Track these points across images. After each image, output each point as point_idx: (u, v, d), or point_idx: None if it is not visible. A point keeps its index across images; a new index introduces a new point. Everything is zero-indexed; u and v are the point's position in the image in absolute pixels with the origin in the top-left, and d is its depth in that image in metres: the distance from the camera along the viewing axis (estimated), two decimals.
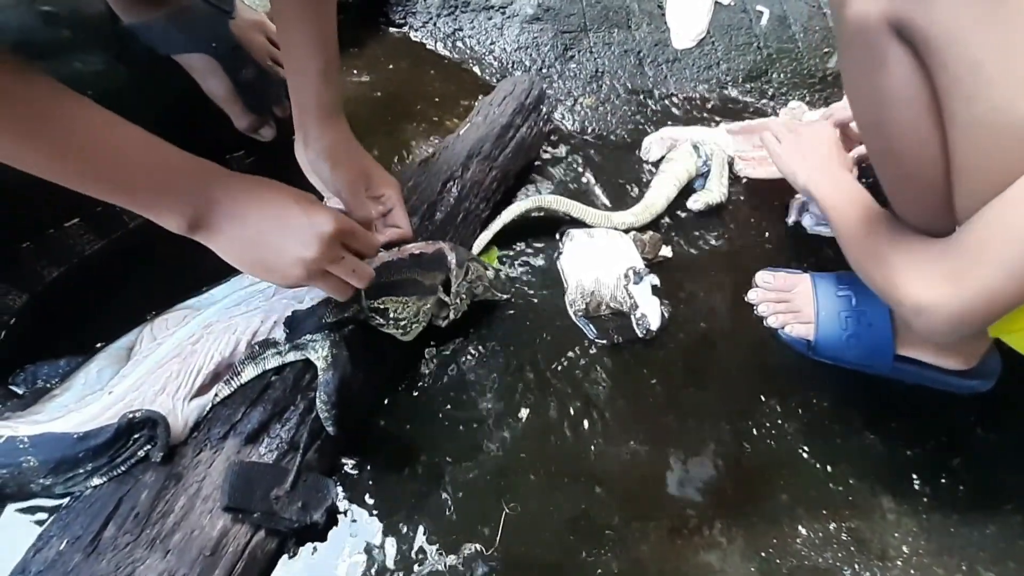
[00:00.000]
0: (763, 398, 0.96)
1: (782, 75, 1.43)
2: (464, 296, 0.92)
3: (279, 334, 0.78)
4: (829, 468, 0.89)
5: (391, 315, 0.84)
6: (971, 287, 0.63)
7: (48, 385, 0.77)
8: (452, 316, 0.92)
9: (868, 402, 0.97)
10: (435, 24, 1.35)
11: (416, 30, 1.35)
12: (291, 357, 0.81)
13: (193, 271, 0.80)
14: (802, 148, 1.08)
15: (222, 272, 0.76)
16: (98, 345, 0.80)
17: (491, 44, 1.34)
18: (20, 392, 0.78)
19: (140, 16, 0.90)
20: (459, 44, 1.35)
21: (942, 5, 0.57)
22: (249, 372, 0.79)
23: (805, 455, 0.90)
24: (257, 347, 0.78)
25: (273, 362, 0.80)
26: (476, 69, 1.32)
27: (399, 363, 0.93)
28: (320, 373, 0.78)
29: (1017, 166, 0.59)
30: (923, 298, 0.67)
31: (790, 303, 1.03)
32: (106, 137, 0.59)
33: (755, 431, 0.92)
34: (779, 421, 0.93)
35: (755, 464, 0.89)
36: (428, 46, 1.34)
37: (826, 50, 1.47)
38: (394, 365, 0.92)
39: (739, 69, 1.41)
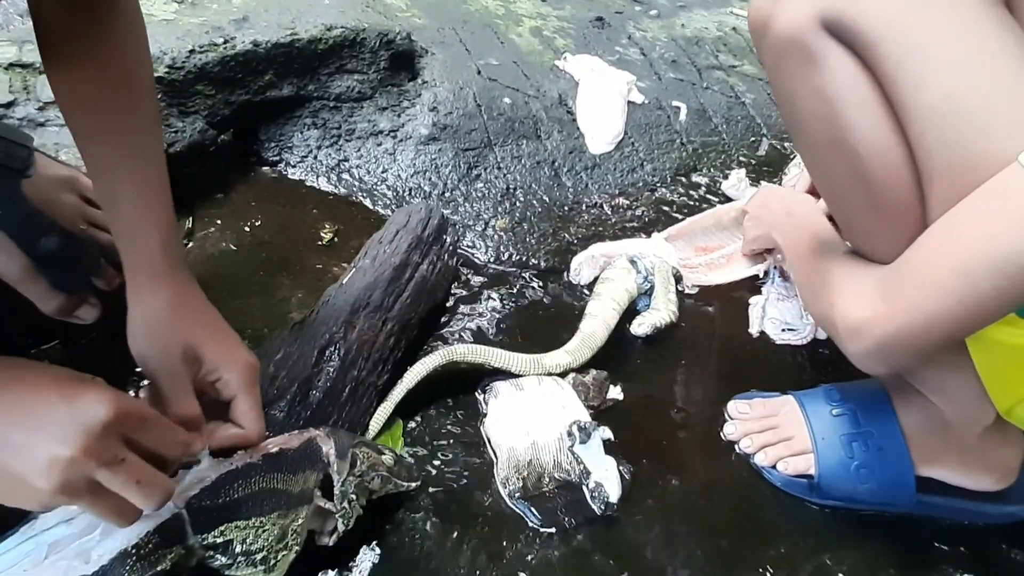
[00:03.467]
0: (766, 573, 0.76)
1: (712, 168, 1.32)
2: (355, 496, 0.68)
3: None
4: None
5: (238, 549, 0.59)
6: (904, 308, 0.58)
7: None
8: (342, 528, 0.67)
9: (895, 555, 0.79)
10: (315, 157, 1.18)
11: (293, 166, 1.17)
12: None
13: None
14: (762, 211, 1.03)
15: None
16: None
17: (383, 172, 1.17)
18: None
19: None
20: (345, 176, 1.17)
21: None
22: None
23: None
24: None
25: None
26: (367, 202, 1.14)
27: None
28: None
29: (980, 163, 0.53)
30: (857, 317, 0.63)
31: (778, 429, 0.88)
32: None
33: None
34: None
35: None
36: (308, 183, 1.16)
37: (752, 139, 1.40)
38: None
39: (666, 168, 1.29)
